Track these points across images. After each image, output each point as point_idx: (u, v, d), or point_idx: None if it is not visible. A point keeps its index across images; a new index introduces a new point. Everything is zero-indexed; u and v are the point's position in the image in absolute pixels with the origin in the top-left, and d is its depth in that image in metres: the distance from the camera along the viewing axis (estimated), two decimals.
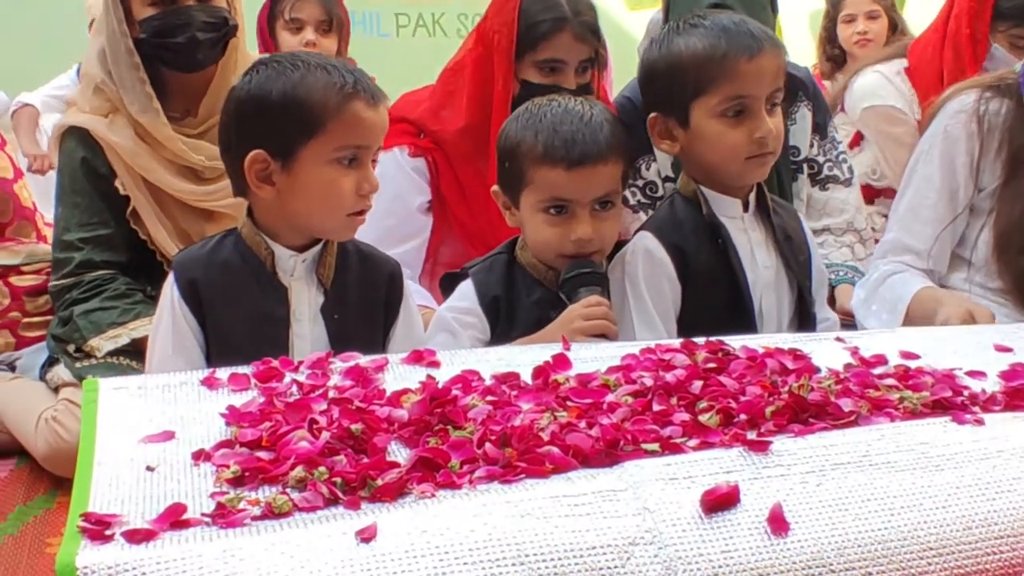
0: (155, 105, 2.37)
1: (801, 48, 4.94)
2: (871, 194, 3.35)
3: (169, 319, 1.70)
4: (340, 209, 1.67)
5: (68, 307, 2.37)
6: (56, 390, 2.38)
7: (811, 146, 2.63)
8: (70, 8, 4.56)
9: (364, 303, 1.77)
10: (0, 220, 2.83)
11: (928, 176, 2.21)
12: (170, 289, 1.71)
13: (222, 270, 1.70)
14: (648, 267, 1.86)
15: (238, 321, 1.69)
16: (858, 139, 3.47)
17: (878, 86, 3.38)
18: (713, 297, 1.87)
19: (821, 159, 2.64)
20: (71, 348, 2.38)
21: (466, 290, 1.90)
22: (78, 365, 2.33)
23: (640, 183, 2.45)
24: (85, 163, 2.39)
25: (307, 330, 1.71)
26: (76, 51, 4.28)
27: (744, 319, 1.85)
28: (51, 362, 2.44)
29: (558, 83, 2.37)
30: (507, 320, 1.87)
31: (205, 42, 2.35)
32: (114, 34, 2.36)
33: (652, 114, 1.90)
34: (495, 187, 1.93)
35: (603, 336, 1.74)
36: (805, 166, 2.63)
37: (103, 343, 2.30)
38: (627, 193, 2.40)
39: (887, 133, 3.33)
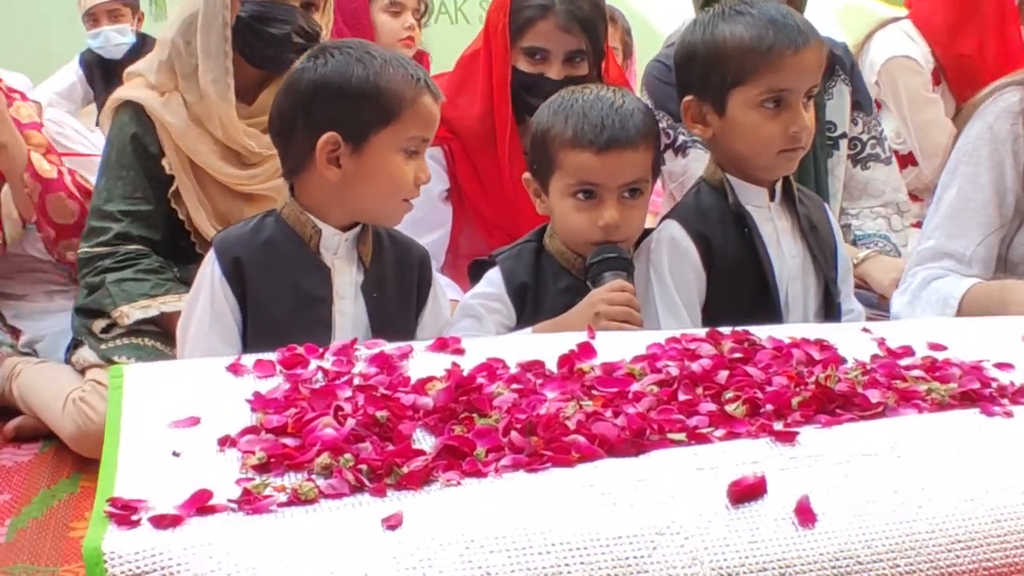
0: (229, 80, 2.37)
1: (823, 32, 4.91)
2: (900, 163, 3.35)
3: (208, 297, 1.72)
4: (400, 195, 1.74)
5: (100, 274, 2.39)
6: (82, 372, 2.40)
7: (854, 123, 2.60)
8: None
9: (399, 283, 1.81)
10: (61, 222, 2.77)
11: (973, 177, 2.00)
12: (210, 267, 1.73)
13: (266, 249, 1.73)
14: (673, 256, 1.85)
15: (282, 299, 1.72)
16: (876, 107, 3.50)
17: (897, 39, 3.46)
18: (739, 286, 1.86)
19: (865, 136, 2.61)
20: (95, 327, 2.39)
21: (493, 277, 1.90)
22: (103, 346, 2.35)
23: None
24: (135, 139, 2.41)
25: (349, 307, 1.74)
26: (69, 44, 4.30)
27: (770, 309, 1.84)
28: (75, 345, 2.46)
29: (543, 72, 2.34)
30: (533, 308, 1.86)
31: (296, 47, 2.33)
32: (215, 3, 2.35)
33: (687, 97, 1.89)
34: (526, 174, 1.92)
35: (626, 322, 1.73)
36: (844, 143, 2.59)
37: (133, 311, 2.32)
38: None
39: (907, 87, 3.37)
